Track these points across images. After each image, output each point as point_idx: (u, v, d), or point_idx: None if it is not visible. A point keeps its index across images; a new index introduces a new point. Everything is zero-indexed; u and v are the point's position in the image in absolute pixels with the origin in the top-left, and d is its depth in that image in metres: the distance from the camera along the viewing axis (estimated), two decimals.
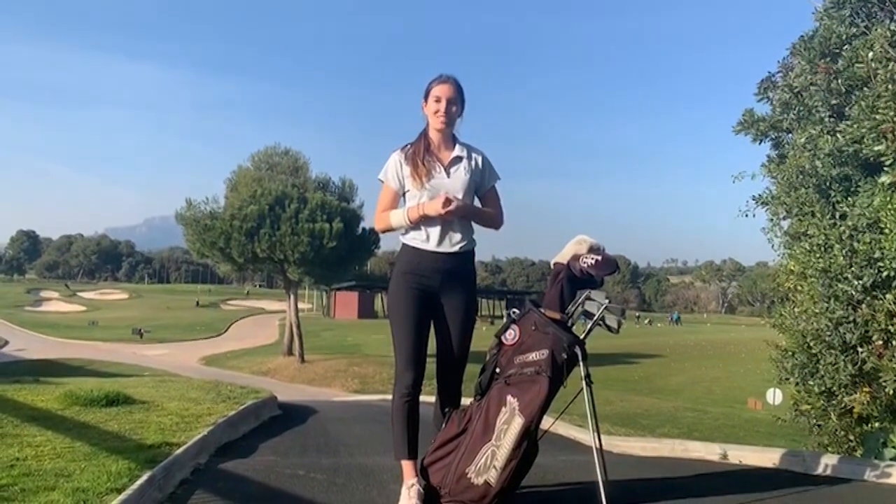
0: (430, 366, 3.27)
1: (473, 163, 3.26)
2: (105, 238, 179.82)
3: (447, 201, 3.04)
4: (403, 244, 3.24)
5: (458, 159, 3.24)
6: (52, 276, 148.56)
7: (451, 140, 3.27)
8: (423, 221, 3.15)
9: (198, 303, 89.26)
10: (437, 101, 3.19)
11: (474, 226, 3.32)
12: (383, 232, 3.31)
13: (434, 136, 3.25)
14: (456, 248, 3.19)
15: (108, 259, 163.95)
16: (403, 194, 3.26)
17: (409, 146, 3.27)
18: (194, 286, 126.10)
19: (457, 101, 3.21)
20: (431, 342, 3.28)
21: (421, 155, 3.20)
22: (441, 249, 3.17)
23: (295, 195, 32.63)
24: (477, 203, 3.33)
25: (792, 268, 6.33)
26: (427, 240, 3.17)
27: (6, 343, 45.80)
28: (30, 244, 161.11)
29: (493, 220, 3.33)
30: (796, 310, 6.21)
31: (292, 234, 31.69)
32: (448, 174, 3.20)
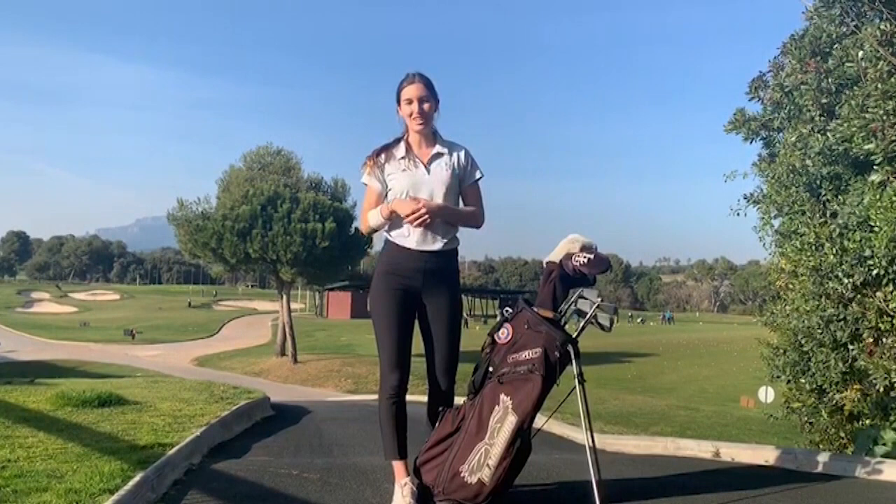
0: (420, 366, 3.26)
1: (455, 158, 3.24)
2: (96, 239, 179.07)
3: (416, 209, 2.99)
4: (386, 240, 3.21)
5: (439, 155, 3.21)
6: (42, 277, 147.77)
7: (431, 138, 3.25)
8: (398, 218, 3.11)
9: (190, 303, 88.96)
10: (409, 102, 3.16)
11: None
12: (367, 233, 3.30)
13: (414, 138, 3.23)
14: (438, 247, 3.16)
15: (99, 260, 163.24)
16: (387, 194, 3.23)
17: (384, 146, 3.25)
18: (186, 287, 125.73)
19: (429, 98, 3.17)
20: (417, 341, 3.28)
21: (401, 154, 3.19)
22: (423, 248, 3.14)
23: (287, 195, 32.56)
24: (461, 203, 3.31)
25: (783, 266, 6.37)
26: (407, 237, 3.14)
27: None
28: (20, 245, 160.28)
29: (474, 218, 3.28)
30: (788, 308, 6.25)
31: (284, 234, 31.63)
32: (428, 170, 3.18)
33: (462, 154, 3.27)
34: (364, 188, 3.28)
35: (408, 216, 3.02)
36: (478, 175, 3.30)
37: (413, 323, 3.22)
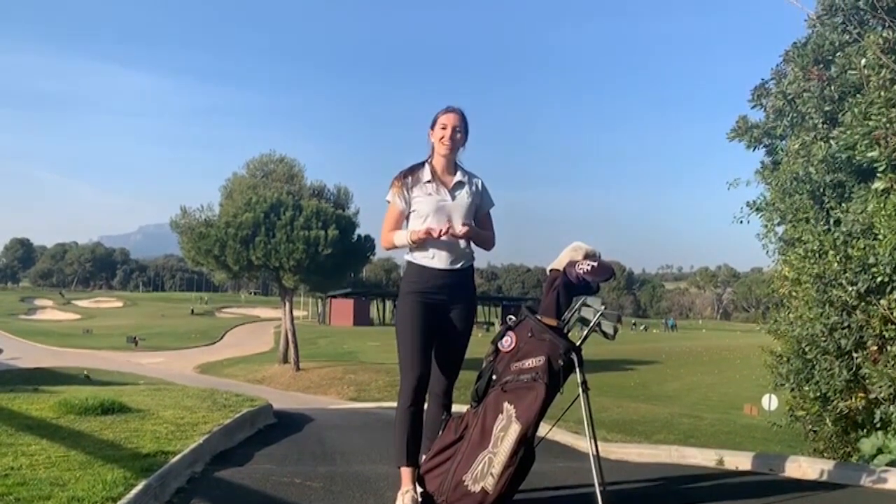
0: None
1: (474, 187, 3.45)
2: (99, 246, 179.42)
3: (446, 231, 3.22)
4: (409, 262, 3.39)
5: (461, 184, 3.42)
6: (46, 285, 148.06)
7: (453, 166, 3.45)
8: (428, 242, 3.30)
9: (193, 311, 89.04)
10: (444, 128, 3.37)
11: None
12: (389, 249, 3.48)
13: (438, 162, 3.42)
14: (458, 266, 3.35)
15: (102, 267, 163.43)
16: (408, 215, 3.41)
17: (410, 169, 3.44)
18: (189, 294, 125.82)
19: (461, 130, 3.40)
20: None
21: (426, 178, 3.38)
22: (446, 267, 3.32)
23: (290, 202, 32.59)
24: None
25: (786, 273, 6.35)
26: (433, 258, 3.33)
27: (0, 351, 45.54)
28: (24, 252, 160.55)
29: (488, 241, 3.53)
30: (791, 315, 6.23)
31: (287, 241, 31.64)
32: (453, 197, 3.38)
33: (479, 183, 3.50)
34: (386, 204, 3.46)
35: (454, 235, 3.24)
36: (490, 204, 3.55)
37: (433, 335, 3.34)
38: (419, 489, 3.21)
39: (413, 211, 3.39)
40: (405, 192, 3.38)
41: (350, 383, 30.07)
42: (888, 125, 5.28)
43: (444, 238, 3.24)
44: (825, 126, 6.19)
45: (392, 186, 3.42)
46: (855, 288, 5.39)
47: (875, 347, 5.40)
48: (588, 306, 3.23)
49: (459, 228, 3.27)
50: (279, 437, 6.46)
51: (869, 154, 5.42)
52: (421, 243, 3.30)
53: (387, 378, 28.62)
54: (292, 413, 9.70)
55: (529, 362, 3.13)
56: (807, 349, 5.94)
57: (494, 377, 3.23)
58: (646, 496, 3.91)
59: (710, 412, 19.56)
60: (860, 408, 5.63)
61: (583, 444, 5.81)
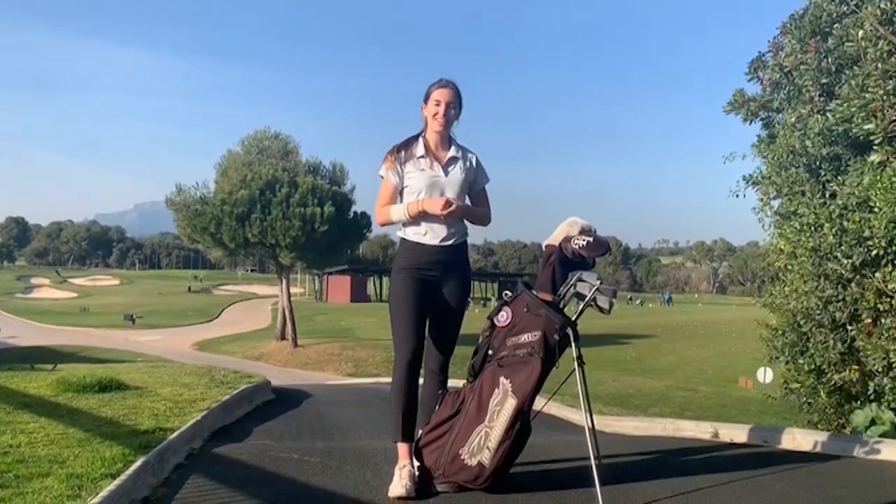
0: None
1: (468, 163, 3.42)
2: (95, 224, 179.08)
3: (447, 204, 3.19)
4: (402, 239, 3.36)
5: (455, 159, 3.38)
6: (42, 263, 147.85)
7: (447, 141, 3.41)
8: (422, 217, 3.28)
9: (189, 288, 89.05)
10: (437, 104, 3.32)
11: None
12: (384, 225, 3.44)
13: (432, 136, 3.38)
14: (451, 241, 3.33)
15: (98, 245, 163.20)
16: (401, 190, 3.37)
17: (404, 143, 3.39)
18: (186, 272, 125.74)
19: (455, 105, 3.36)
20: None
21: (420, 153, 3.34)
22: (439, 243, 3.30)
23: (285, 179, 32.45)
24: (467, 200, 3.46)
25: (782, 247, 6.35)
26: (425, 234, 3.30)
27: None
28: (19, 231, 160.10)
29: (484, 218, 3.50)
30: (786, 289, 6.24)
31: (283, 218, 31.55)
32: (446, 173, 3.34)
33: (473, 159, 3.46)
34: (380, 180, 3.42)
35: (440, 212, 3.19)
36: (485, 180, 3.50)
37: (427, 311, 3.33)
38: (416, 463, 3.24)
39: (406, 186, 3.35)
40: (398, 167, 3.35)
41: (347, 359, 30.19)
42: (885, 97, 5.25)
43: (440, 214, 3.21)
44: (822, 99, 6.15)
45: (385, 161, 3.38)
46: (850, 261, 5.40)
47: (869, 320, 5.42)
48: (584, 281, 3.23)
49: (454, 206, 3.22)
50: (277, 413, 6.50)
51: (865, 126, 5.39)
52: (418, 217, 3.28)
53: (384, 354, 28.72)
54: (290, 389, 9.75)
55: (525, 337, 3.15)
56: (802, 322, 5.96)
57: (490, 352, 3.24)
58: (641, 469, 3.94)
59: (706, 385, 19.67)
60: (854, 380, 5.67)
61: (578, 417, 5.84)
